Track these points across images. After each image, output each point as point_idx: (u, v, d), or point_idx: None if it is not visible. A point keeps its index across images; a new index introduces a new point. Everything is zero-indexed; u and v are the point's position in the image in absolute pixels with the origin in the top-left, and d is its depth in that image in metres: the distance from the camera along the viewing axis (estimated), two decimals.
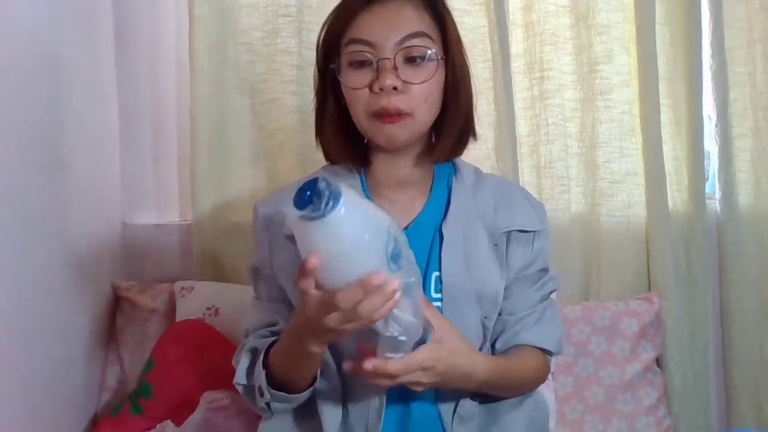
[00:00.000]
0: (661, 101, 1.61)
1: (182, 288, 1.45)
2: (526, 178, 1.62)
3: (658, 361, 1.58)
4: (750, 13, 1.70)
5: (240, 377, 0.98)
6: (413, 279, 0.82)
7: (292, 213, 0.72)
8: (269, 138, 1.54)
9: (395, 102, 0.95)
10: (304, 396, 0.95)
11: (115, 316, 1.48)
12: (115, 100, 1.52)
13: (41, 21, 1.21)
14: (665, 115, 1.63)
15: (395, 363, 0.83)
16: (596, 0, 1.61)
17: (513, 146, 1.56)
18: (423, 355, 0.85)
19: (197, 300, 1.43)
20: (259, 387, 0.95)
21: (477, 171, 1.10)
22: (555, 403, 1.43)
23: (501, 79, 1.53)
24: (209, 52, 1.48)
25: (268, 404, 0.95)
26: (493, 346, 1.04)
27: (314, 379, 0.94)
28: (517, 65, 1.61)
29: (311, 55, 1.53)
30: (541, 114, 1.62)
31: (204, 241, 1.51)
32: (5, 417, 1.08)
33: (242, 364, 0.98)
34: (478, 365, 0.94)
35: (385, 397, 0.96)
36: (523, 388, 1.04)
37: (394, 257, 0.78)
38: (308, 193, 0.71)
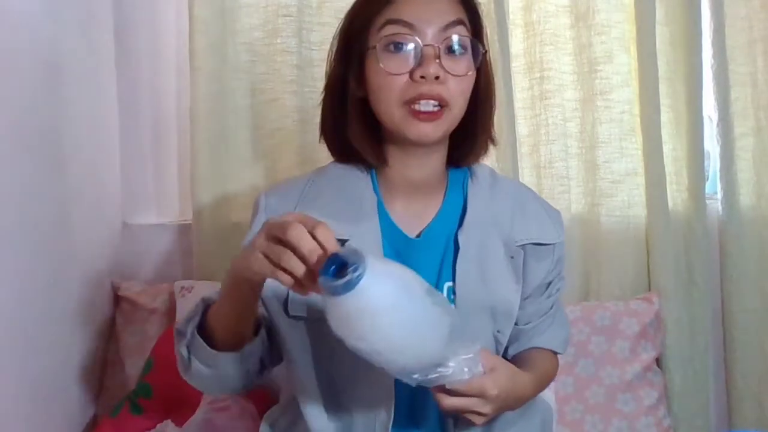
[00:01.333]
0: (661, 101, 1.61)
1: (182, 288, 1.45)
2: (526, 178, 1.62)
3: (658, 361, 1.58)
4: (751, 12, 1.69)
5: (180, 322, 0.93)
6: (455, 313, 0.81)
7: (326, 291, 0.70)
8: (269, 138, 1.54)
9: (437, 89, 0.89)
10: (223, 358, 0.89)
11: (115, 316, 1.48)
12: (115, 100, 1.52)
13: (41, 21, 1.21)
14: (665, 115, 1.63)
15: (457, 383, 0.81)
16: (596, 0, 1.60)
17: (513, 146, 1.56)
18: (483, 382, 0.83)
19: (197, 300, 1.42)
20: (187, 321, 0.91)
21: (492, 173, 1.06)
22: (555, 403, 1.43)
23: (501, 79, 1.53)
24: (209, 52, 1.47)
25: (189, 353, 0.91)
26: (504, 351, 1.02)
27: (241, 344, 0.90)
28: (517, 65, 1.61)
29: (311, 55, 1.55)
30: (541, 114, 1.62)
31: (204, 241, 1.51)
32: (5, 417, 1.08)
33: (188, 310, 0.94)
34: (527, 385, 0.94)
35: (392, 411, 0.93)
36: (542, 391, 1.04)
37: (433, 296, 0.77)
38: (335, 266, 0.70)
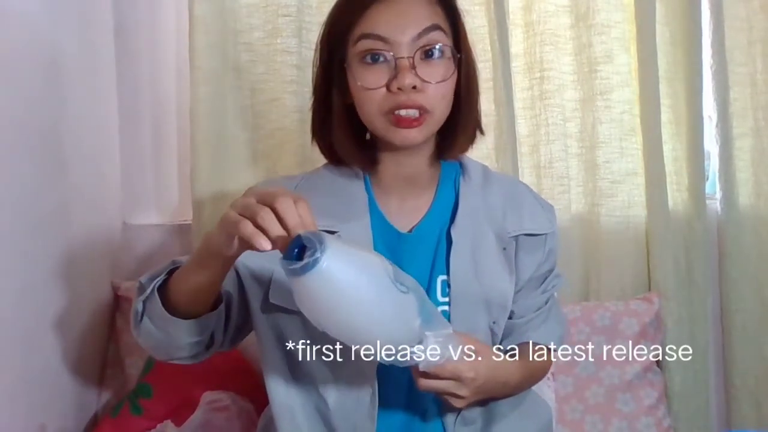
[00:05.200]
0: (661, 101, 1.61)
1: None
2: (526, 178, 1.62)
3: (658, 361, 1.58)
4: (750, 13, 1.70)
5: (145, 277, 0.92)
6: (426, 298, 0.84)
7: (287, 273, 0.73)
8: (269, 138, 1.54)
9: (416, 98, 0.90)
10: (173, 323, 0.89)
11: (115, 316, 1.48)
12: (115, 100, 1.51)
13: (41, 21, 1.21)
14: (665, 115, 1.63)
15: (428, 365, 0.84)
16: (596, 0, 1.61)
17: (513, 146, 1.56)
18: (458, 365, 0.85)
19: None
20: (150, 279, 0.90)
21: (485, 170, 1.07)
22: (555, 403, 1.43)
23: (501, 79, 1.53)
24: (209, 52, 1.47)
25: (143, 310, 0.91)
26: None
27: (196, 314, 0.90)
28: (517, 65, 1.61)
29: (311, 55, 1.51)
30: (541, 114, 1.62)
31: None
32: (5, 417, 1.08)
33: (157, 268, 0.93)
34: (512, 372, 0.95)
35: (377, 399, 0.94)
36: (535, 383, 1.06)
37: (399, 281, 0.79)
38: (297, 249, 0.73)
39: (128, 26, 1.53)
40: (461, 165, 1.06)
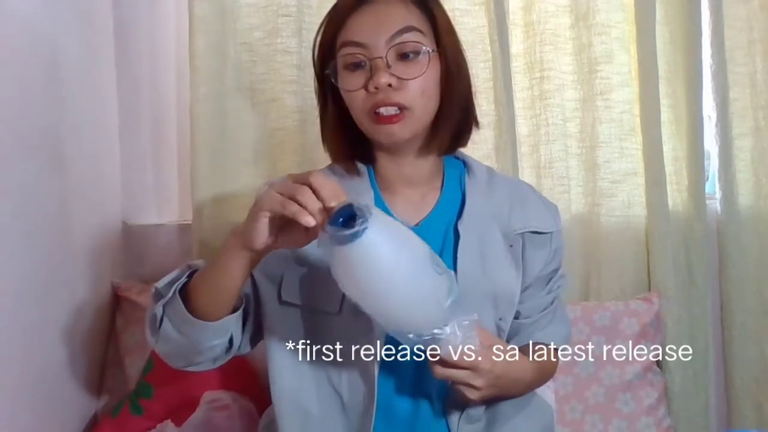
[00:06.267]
0: (661, 101, 1.61)
1: None
2: (526, 178, 1.62)
3: (658, 361, 1.58)
4: (750, 13, 1.70)
5: (161, 283, 0.95)
6: (455, 282, 0.85)
7: (332, 241, 0.75)
8: (269, 138, 1.54)
9: (393, 96, 0.94)
10: (195, 325, 0.90)
11: (115, 316, 1.48)
12: (115, 100, 1.51)
13: (41, 21, 1.21)
14: (665, 115, 1.63)
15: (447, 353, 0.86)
16: (596, 0, 1.61)
17: (513, 146, 1.56)
18: (476, 355, 0.87)
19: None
20: (169, 284, 0.92)
21: (490, 170, 1.10)
22: (555, 404, 1.43)
23: (501, 79, 1.53)
24: (209, 52, 1.47)
25: (163, 314, 0.92)
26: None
27: (217, 316, 0.91)
28: (517, 65, 1.61)
29: (311, 55, 1.54)
30: (541, 114, 1.62)
31: (204, 241, 1.51)
32: (5, 417, 1.08)
33: (173, 273, 0.95)
34: (526, 370, 0.98)
35: (375, 393, 0.95)
36: (543, 384, 1.08)
37: (435, 261, 0.81)
38: (342, 218, 0.75)
39: (128, 26, 1.53)
40: (465, 164, 1.08)
